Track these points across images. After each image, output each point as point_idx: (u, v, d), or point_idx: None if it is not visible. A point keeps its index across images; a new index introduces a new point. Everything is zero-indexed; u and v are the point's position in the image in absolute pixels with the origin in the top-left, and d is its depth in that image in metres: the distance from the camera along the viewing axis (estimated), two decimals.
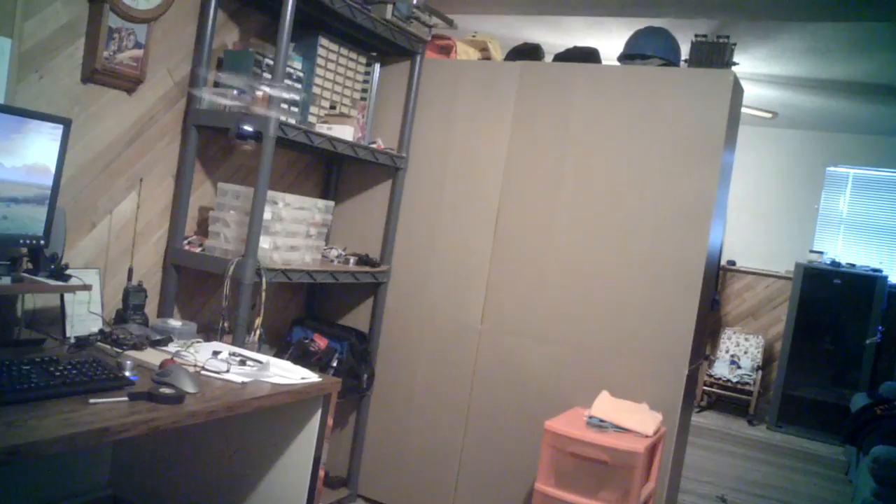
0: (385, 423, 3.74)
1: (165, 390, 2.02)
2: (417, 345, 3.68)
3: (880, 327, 6.53)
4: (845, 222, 7.37)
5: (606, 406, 3.14)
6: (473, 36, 4.00)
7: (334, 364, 3.44)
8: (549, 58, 3.66)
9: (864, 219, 7.30)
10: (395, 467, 3.71)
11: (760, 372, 7.09)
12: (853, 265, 6.79)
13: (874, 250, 7.20)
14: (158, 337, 2.54)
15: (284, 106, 3.03)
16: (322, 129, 3.29)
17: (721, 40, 3.31)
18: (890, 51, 4.62)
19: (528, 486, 3.29)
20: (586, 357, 3.34)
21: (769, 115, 6.50)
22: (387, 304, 3.74)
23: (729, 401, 7.21)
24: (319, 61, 3.32)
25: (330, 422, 2.61)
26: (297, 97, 3.11)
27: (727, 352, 7.26)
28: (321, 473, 2.60)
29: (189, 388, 2.10)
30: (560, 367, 3.39)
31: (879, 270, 6.64)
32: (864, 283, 6.64)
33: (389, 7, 3.33)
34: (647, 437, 3.00)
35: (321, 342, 3.49)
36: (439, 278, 3.65)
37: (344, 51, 3.46)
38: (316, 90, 3.33)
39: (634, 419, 3.06)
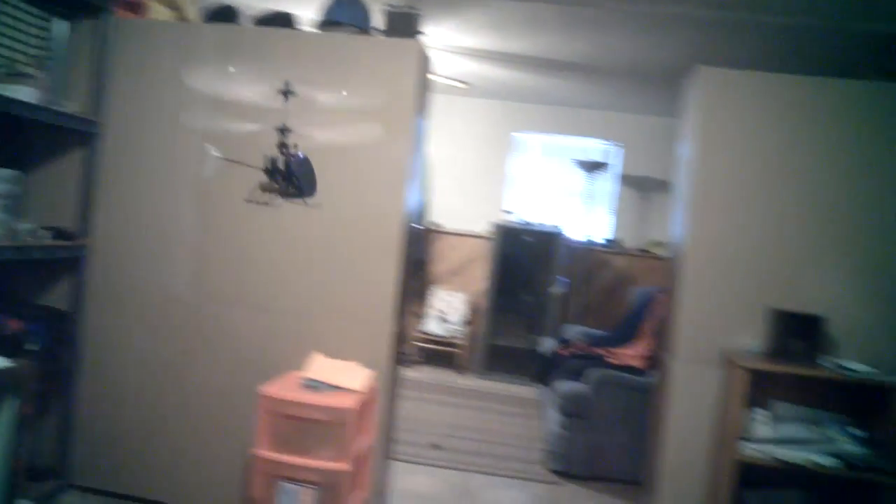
0: (98, 405, 3.54)
1: None
2: (128, 320, 3.52)
3: (563, 278, 7.33)
4: (531, 184, 8.12)
5: (319, 367, 3.25)
6: None
7: (32, 347, 3.18)
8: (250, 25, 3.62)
9: (546, 180, 8.10)
10: (112, 451, 3.54)
11: (466, 325, 7.64)
12: (539, 223, 7.52)
13: (555, 208, 8.02)
14: None
15: None
16: None
17: (410, 11, 3.48)
18: (559, 30, 5.15)
19: (248, 453, 3.30)
20: (299, 322, 3.42)
21: (463, 85, 6.95)
22: (92, 280, 3.52)
23: (440, 354, 7.69)
24: None
25: (27, 409, 2.44)
26: None
27: (436, 308, 7.72)
28: (20, 465, 2.43)
29: None
30: (274, 333, 3.44)
31: (559, 227, 7.41)
32: (548, 239, 7.40)
33: None
34: (359, 393, 3.15)
35: (14, 324, 3.21)
36: (148, 251, 3.51)
37: (16, 2, 3.15)
38: None
39: (346, 377, 3.20)
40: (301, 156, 3.34)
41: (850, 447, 2.95)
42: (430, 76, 3.65)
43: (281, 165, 3.35)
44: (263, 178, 3.38)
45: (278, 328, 3.43)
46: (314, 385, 3.16)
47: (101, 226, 3.52)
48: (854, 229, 3.26)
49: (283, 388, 3.14)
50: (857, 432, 3.07)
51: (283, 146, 3.34)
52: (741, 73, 3.31)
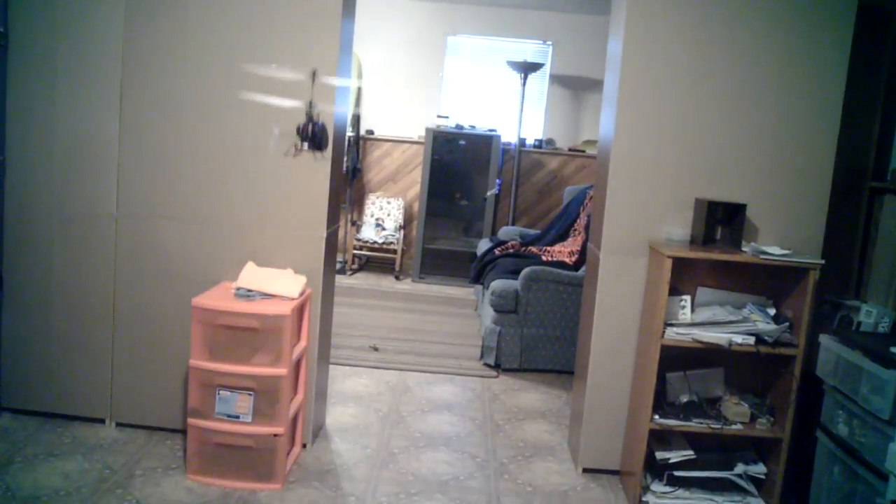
0: (23, 326, 3.49)
1: None
2: (48, 241, 3.44)
3: (498, 180, 7.38)
4: (466, 87, 8.04)
5: (252, 276, 3.25)
6: None
7: None
8: None
9: (480, 83, 8.03)
10: (43, 371, 3.52)
11: (403, 231, 7.67)
12: (474, 126, 7.49)
13: (490, 111, 7.99)
14: None
15: None
16: None
17: None
18: None
19: (186, 365, 3.32)
20: (230, 232, 3.39)
21: None
22: (9, 197, 3.40)
23: (378, 261, 7.74)
24: None
25: None
26: None
27: (372, 216, 7.71)
28: None
29: None
30: (205, 244, 3.41)
31: (494, 130, 7.41)
32: (483, 143, 7.40)
33: None
34: (293, 299, 3.17)
35: None
36: (64, 167, 3.40)
37: None
38: None
39: (280, 285, 3.21)
40: None
41: (764, 325, 3.10)
42: None
43: None
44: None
45: (209, 238, 3.40)
46: (247, 294, 3.16)
47: (12, 142, 3.38)
48: (773, 120, 3.33)
49: (215, 299, 3.13)
50: (772, 311, 3.23)
51: None
52: None
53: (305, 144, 3.30)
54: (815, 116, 3.32)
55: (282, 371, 3.07)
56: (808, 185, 3.35)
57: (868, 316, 3.05)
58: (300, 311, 3.29)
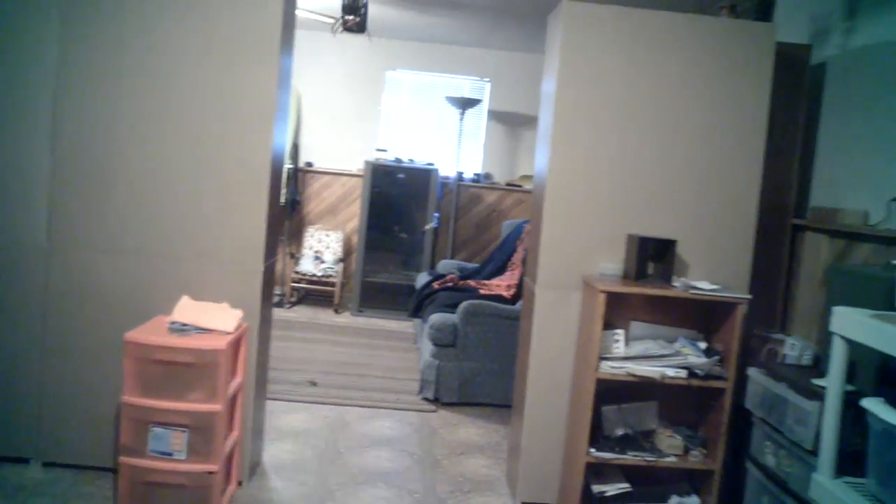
0: None
1: None
2: None
3: (436, 214, 7.43)
4: (404, 121, 8.11)
5: (187, 310, 3.20)
6: None
7: None
8: None
9: (419, 117, 8.11)
10: None
11: (342, 264, 7.65)
12: (412, 160, 7.55)
13: (428, 145, 8.06)
14: None
15: None
16: None
17: None
18: None
19: (117, 402, 3.23)
20: (164, 265, 3.35)
21: (332, 21, 6.80)
22: None
23: (316, 294, 7.69)
24: None
25: None
26: None
27: (311, 248, 7.68)
28: None
29: None
30: (138, 277, 3.35)
31: (432, 164, 7.48)
32: (422, 177, 7.46)
33: None
34: (228, 334, 3.13)
35: None
36: None
37: None
38: None
39: (215, 319, 3.17)
40: None
41: (695, 359, 3.18)
42: (296, 11, 3.57)
43: None
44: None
45: (144, 271, 3.34)
46: (182, 328, 3.11)
47: None
48: (701, 159, 3.46)
49: (149, 333, 3.08)
50: (703, 345, 3.32)
51: None
52: (602, 7, 3.40)
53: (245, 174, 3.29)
54: (739, 156, 3.46)
55: (217, 407, 3.02)
56: (735, 222, 3.47)
57: (792, 349, 3.16)
58: (236, 345, 3.25)
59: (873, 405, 2.28)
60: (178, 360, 3.02)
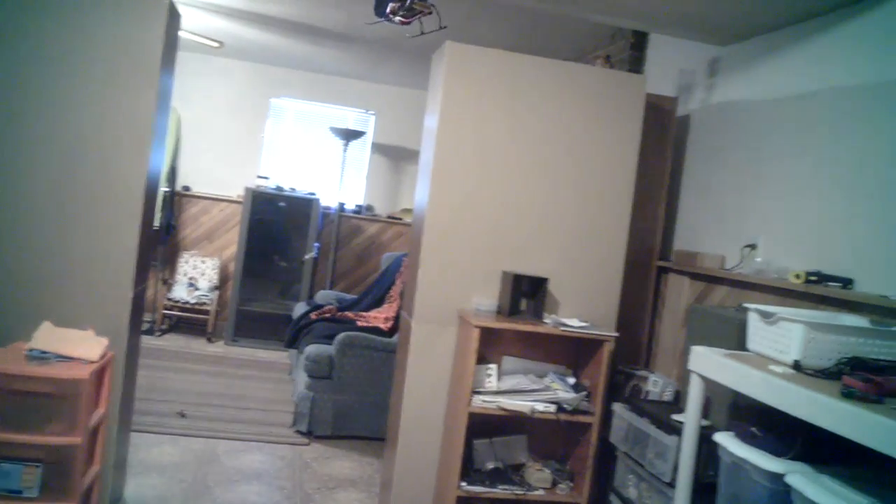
0: None
1: None
2: None
3: (316, 244, 7.38)
4: (287, 150, 8.04)
5: (48, 337, 3.05)
6: None
7: None
8: None
9: (302, 146, 8.07)
10: None
11: (217, 292, 7.46)
12: (294, 189, 7.49)
13: (310, 175, 8.01)
14: None
15: None
16: None
17: None
18: None
19: None
20: (24, 288, 3.18)
21: (216, 45, 6.71)
22: None
23: (189, 322, 7.45)
24: None
25: None
26: None
27: (185, 275, 7.45)
28: None
29: None
30: None
31: (314, 194, 7.44)
32: (303, 206, 7.40)
33: None
34: (92, 363, 3.00)
35: None
36: None
37: None
38: None
39: (78, 347, 3.03)
40: None
41: (564, 394, 3.29)
42: (179, 33, 3.51)
43: None
44: None
45: (1, 294, 3.16)
46: (41, 356, 2.96)
47: None
48: (574, 200, 3.61)
49: (5, 361, 2.91)
50: (572, 380, 3.43)
51: None
52: (484, 49, 3.51)
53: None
54: (611, 199, 3.63)
55: (76, 440, 2.87)
56: (605, 262, 3.63)
57: (655, 385, 3.32)
58: (100, 375, 3.12)
59: (724, 439, 2.43)
60: (36, 391, 2.86)
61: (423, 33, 3.61)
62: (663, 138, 4.03)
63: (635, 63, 4.82)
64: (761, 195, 3.43)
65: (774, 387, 2.09)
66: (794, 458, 2.17)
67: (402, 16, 3.49)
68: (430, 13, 3.50)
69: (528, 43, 5.48)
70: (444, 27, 3.61)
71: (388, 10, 3.50)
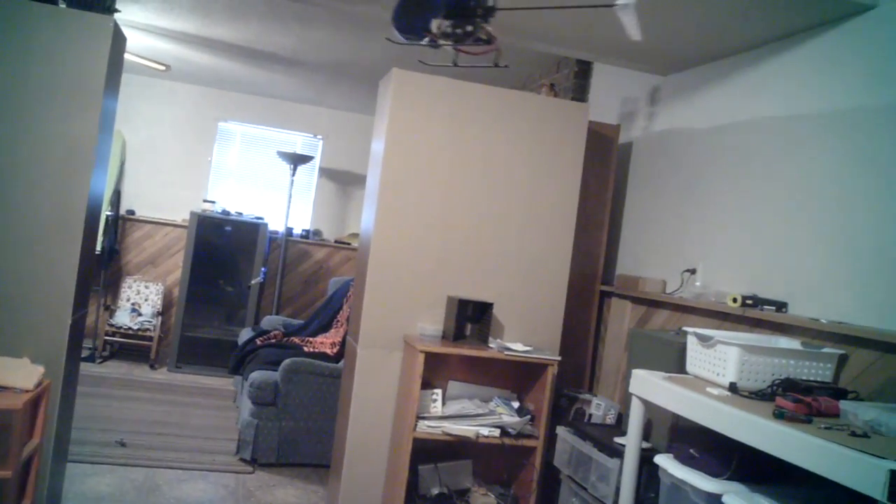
0: None
1: None
2: None
3: (263, 269, 7.31)
4: (234, 174, 7.98)
5: None
6: None
7: None
8: None
9: (249, 171, 8.01)
10: None
11: (161, 317, 7.32)
12: (241, 213, 7.42)
13: (258, 199, 7.97)
14: None
15: None
16: None
17: None
18: (264, 21, 5.13)
19: None
20: None
21: (162, 68, 6.64)
22: None
23: (132, 348, 7.29)
24: None
25: None
26: None
27: (128, 300, 7.31)
28: None
29: None
30: None
31: (262, 218, 7.38)
32: (250, 230, 7.33)
33: None
34: (26, 392, 2.92)
35: None
36: None
37: None
38: None
39: (11, 376, 2.95)
40: None
41: (508, 418, 3.31)
42: (125, 55, 3.47)
43: None
44: None
45: None
46: None
47: None
48: (519, 226, 3.65)
49: None
50: (516, 404, 3.46)
51: None
52: (430, 77, 3.55)
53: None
54: (554, 224, 3.68)
55: (6, 474, 2.78)
56: (548, 287, 3.67)
57: (598, 408, 3.36)
58: (35, 404, 3.03)
59: (664, 461, 2.47)
60: None
61: (496, 65, 2.86)
62: (606, 165, 4.11)
63: (579, 91, 4.92)
64: (701, 221, 3.51)
65: (711, 409, 2.14)
66: (730, 479, 2.22)
67: (454, 40, 2.66)
68: (495, 47, 2.69)
69: (474, 70, 5.56)
70: (506, 66, 2.93)
71: (431, 25, 2.68)
